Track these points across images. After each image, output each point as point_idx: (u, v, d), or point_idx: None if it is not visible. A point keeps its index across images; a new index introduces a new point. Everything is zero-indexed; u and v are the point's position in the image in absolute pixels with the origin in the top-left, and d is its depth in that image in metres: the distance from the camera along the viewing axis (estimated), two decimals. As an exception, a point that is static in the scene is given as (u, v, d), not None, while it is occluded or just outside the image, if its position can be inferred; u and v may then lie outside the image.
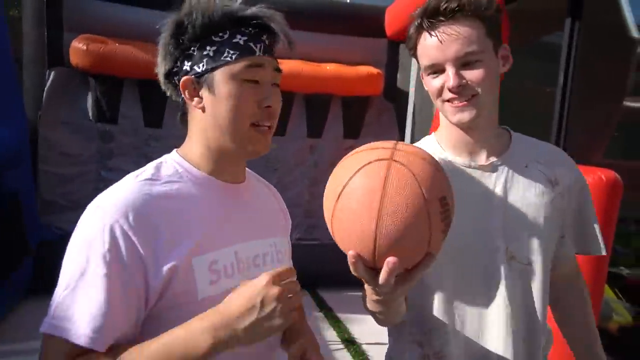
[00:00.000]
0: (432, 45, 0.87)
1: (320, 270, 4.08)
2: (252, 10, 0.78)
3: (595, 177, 2.50)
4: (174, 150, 0.86)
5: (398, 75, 5.10)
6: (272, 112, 0.81)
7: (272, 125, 0.83)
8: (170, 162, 0.82)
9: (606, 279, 2.53)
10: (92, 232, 0.71)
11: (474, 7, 0.86)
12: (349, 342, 3.10)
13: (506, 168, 0.95)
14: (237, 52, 0.76)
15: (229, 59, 0.76)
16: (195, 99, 0.79)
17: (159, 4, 4.28)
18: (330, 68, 4.60)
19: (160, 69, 0.81)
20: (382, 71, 4.81)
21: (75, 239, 0.73)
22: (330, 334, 3.20)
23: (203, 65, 0.76)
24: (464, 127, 0.93)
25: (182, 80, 0.78)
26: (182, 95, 0.80)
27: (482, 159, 0.96)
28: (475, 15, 0.86)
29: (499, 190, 0.94)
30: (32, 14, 3.97)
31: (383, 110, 5.02)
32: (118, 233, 0.70)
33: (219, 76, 0.76)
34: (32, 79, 4.04)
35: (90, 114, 4.17)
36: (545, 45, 4.43)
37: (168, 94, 0.84)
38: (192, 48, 0.77)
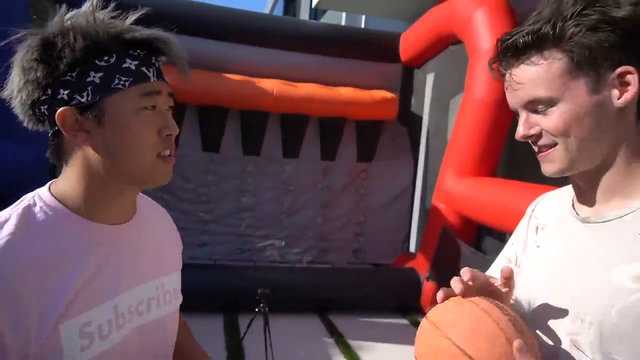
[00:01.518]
0: (505, 87, 0.79)
1: (331, 294, 4.02)
2: (145, 33, 0.68)
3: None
4: (46, 188, 0.70)
5: (412, 100, 5.12)
6: (172, 140, 0.72)
7: (172, 153, 0.73)
8: (41, 207, 0.67)
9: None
10: None
11: (552, 37, 0.69)
12: (360, 371, 3.04)
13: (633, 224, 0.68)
14: (130, 79, 0.65)
15: (120, 86, 0.65)
16: (79, 133, 0.66)
17: (174, 28, 4.39)
18: (344, 92, 4.64)
19: (18, 97, 0.66)
20: (397, 95, 4.84)
21: None
22: (341, 362, 3.15)
23: (88, 95, 0.64)
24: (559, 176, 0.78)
25: (59, 111, 0.64)
26: (55, 128, 0.66)
27: (604, 211, 0.74)
28: (556, 47, 0.69)
29: (606, 254, 0.69)
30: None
31: (397, 134, 5.03)
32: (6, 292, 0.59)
33: (111, 106, 0.65)
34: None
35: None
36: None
37: (29, 125, 0.70)
38: (70, 74, 0.64)
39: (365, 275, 4.38)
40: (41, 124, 0.69)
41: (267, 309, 2.88)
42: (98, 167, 0.68)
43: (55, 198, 0.69)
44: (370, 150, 4.99)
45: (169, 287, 0.83)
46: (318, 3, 5.72)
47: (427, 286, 3.96)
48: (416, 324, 3.92)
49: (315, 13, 12.77)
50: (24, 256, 0.63)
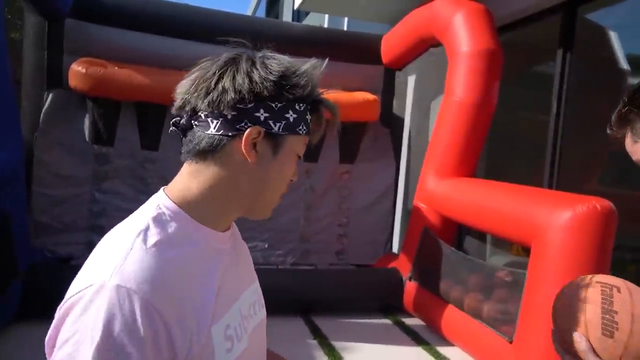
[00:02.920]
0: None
1: (314, 296, 4.02)
2: (324, 99, 0.77)
3: (590, 205, 2.51)
4: (167, 197, 0.73)
5: (394, 102, 5.17)
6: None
7: None
8: (170, 216, 0.71)
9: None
10: (125, 316, 0.59)
11: (618, 118, 0.92)
12: (343, 371, 3.05)
13: None
14: (306, 129, 0.75)
15: (301, 132, 0.74)
16: (252, 151, 0.71)
17: (157, 29, 4.36)
18: (327, 94, 4.65)
19: (216, 93, 0.69)
20: (379, 97, 4.88)
21: (100, 326, 0.58)
22: (324, 363, 3.15)
23: (281, 127, 0.71)
24: None
25: (254, 126, 0.70)
26: (233, 137, 0.70)
27: None
28: (623, 126, 0.92)
29: None
30: (33, 37, 4.02)
31: (379, 136, 5.07)
32: (156, 317, 0.61)
33: (288, 144, 0.74)
34: (30, 100, 4.07)
35: (87, 135, 4.18)
36: (538, 75, 4.52)
37: (193, 111, 0.72)
38: (276, 103, 0.71)
39: (348, 276, 4.40)
40: (213, 123, 0.70)
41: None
42: (244, 184, 0.73)
43: (178, 206, 0.72)
44: (353, 152, 5.02)
45: (259, 290, 0.90)
46: (300, 5, 5.73)
47: (410, 286, 4.00)
48: (399, 324, 3.95)
49: (298, 15, 12.77)
50: (175, 262, 0.66)
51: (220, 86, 0.69)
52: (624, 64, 3.48)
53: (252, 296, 0.85)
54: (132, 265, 0.63)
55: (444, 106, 3.85)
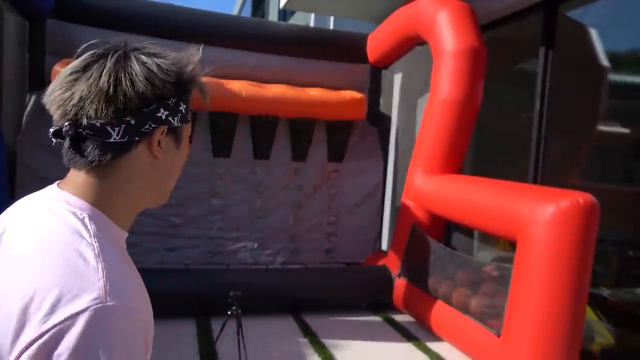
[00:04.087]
0: None
1: (304, 294, 4.03)
2: (201, 84, 0.79)
3: (573, 200, 2.56)
4: (86, 204, 0.68)
5: (381, 100, 5.20)
6: None
7: None
8: (99, 222, 0.67)
9: (587, 300, 2.56)
10: (130, 333, 0.60)
11: None
12: (334, 369, 3.06)
13: None
14: (191, 114, 0.80)
15: (189, 119, 0.78)
16: (159, 149, 0.73)
17: (142, 29, 4.32)
18: (314, 93, 4.67)
19: (118, 102, 0.67)
20: (366, 96, 4.90)
21: (112, 347, 0.57)
22: (315, 361, 3.16)
23: (178, 120, 0.74)
24: None
25: (161, 127, 0.71)
26: (139, 141, 0.70)
27: None
28: None
29: None
30: (14, 38, 3.95)
31: (367, 134, 5.09)
32: (142, 326, 0.62)
33: (184, 132, 0.78)
34: (12, 102, 4.00)
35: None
36: (521, 72, 4.59)
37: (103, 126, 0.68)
38: (171, 99, 0.72)
39: (338, 275, 4.42)
40: (115, 131, 0.68)
41: (239, 311, 2.87)
42: (154, 180, 0.74)
43: (94, 207, 0.69)
44: (341, 150, 5.03)
45: None
46: (286, 4, 5.73)
47: (399, 283, 4.03)
48: (389, 321, 3.98)
49: (284, 14, 12.74)
50: (126, 265, 0.67)
51: (121, 95, 0.66)
52: (604, 61, 3.55)
53: None
54: (114, 279, 0.60)
55: (429, 104, 3.88)
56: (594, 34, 3.62)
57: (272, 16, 14.04)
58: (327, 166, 5.01)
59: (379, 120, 5.15)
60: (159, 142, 0.71)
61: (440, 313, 3.47)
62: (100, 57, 0.68)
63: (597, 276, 3.02)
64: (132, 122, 0.67)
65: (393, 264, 4.17)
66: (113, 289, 0.59)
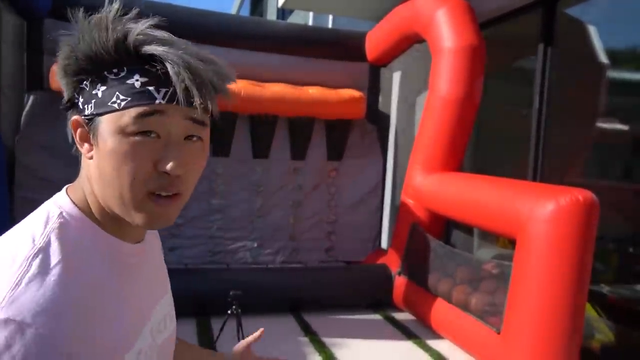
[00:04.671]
0: None
1: (304, 293, 4.03)
2: (154, 49, 0.56)
3: (573, 197, 2.56)
4: (68, 200, 0.61)
5: (380, 98, 5.19)
6: (178, 179, 0.58)
7: (180, 192, 0.60)
8: (71, 223, 0.58)
9: (587, 297, 2.56)
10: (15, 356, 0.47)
11: None
12: (335, 368, 3.06)
13: None
14: (128, 99, 0.56)
15: (115, 106, 0.56)
16: (86, 145, 0.60)
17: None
18: (313, 91, 4.66)
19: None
20: (364, 94, 4.90)
21: None
22: (316, 359, 3.15)
23: (90, 107, 0.57)
24: None
25: (72, 119, 0.60)
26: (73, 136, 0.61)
27: None
28: None
29: None
30: (11, 38, 3.95)
31: (366, 133, 5.09)
32: (53, 352, 0.49)
33: (103, 127, 0.57)
34: (10, 103, 3.99)
35: (69, 138, 4.11)
36: (520, 70, 4.59)
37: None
38: (84, 82, 0.58)
39: (338, 274, 4.42)
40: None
41: (239, 310, 2.87)
42: (96, 185, 0.59)
43: (80, 210, 0.60)
44: (340, 149, 5.03)
45: (172, 301, 0.78)
46: (284, 3, 5.72)
47: (399, 281, 4.04)
48: (389, 319, 3.98)
49: (283, 13, 12.72)
50: (80, 279, 0.55)
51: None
52: (603, 58, 3.55)
53: (163, 309, 0.72)
54: (29, 292, 0.50)
55: (428, 102, 3.88)
56: (593, 31, 3.62)
57: (271, 15, 14.02)
58: (327, 165, 5.01)
59: (378, 119, 5.15)
60: (79, 135, 0.61)
61: (441, 311, 3.47)
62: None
63: (597, 273, 3.03)
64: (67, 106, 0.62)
65: (393, 262, 4.17)
66: (17, 301, 0.49)
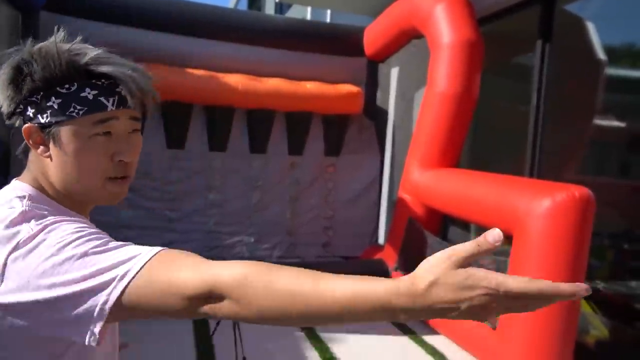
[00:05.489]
0: None
1: (301, 288, 4.03)
2: (105, 69, 0.72)
3: (569, 193, 2.56)
4: (23, 184, 0.77)
5: (378, 94, 5.18)
6: (128, 165, 0.76)
7: (129, 175, 0.77)
8: (39, 200, 0.74)
9: (582, 293, 2.57)
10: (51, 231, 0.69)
11: None
12: (331, 362, 3.07)
13: None
14: (85, 108, 0.71)
15: (74, 114, 0.70)
16: (41, 147, 0.74)
17: (136, 22, 4.28)
18: (310, 86, 4.64)
19: (3, 108, 0.76)
20: (362, 89, 4.88)
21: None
22: (312, 354, 3.16)
23: (47, 117, 0.71)
24: None
25: (25, 127, 0.74)
26: (25, 141, 0.76)
27: None
28: None
29: None
30: (6, 30, 3.91)
31: (363, 128, 5.08)
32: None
33: (64, 132, 0.71)
34: (5, 96, 3.96)
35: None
36: (518, 66, 4.58)
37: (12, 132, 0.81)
38: (36, 96, 0.71)
39: (335, 269, 4.40)
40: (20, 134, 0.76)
41: (236, 305, 2.87)
42: (54, 179, 0.75)
43: (43, 195, 0.76)
44: (338, 145, 5.03)
45: None
46: (282, -3, 5.68)
47: (396, 277, 4.04)
48: (385, 314, 3.99)
49: (281, 7, 12.67)
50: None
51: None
52: (601, 55, 3.55)
53: None
54: (34, 212, 0.71)
55: (426, 98, 3.87)
56: (591, 27, 3.61)
57: (269, 9, 13.95)
58: (324, 160, 5.00)
59: (375, 114, 5.14)
60: (35, 142, 0.76)
61: (437, 306, 3.48)
62: None
63: (592, 269, 3.04)
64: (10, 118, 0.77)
65: (390, 257, 4.18)
66: (24, 223, 0.67)
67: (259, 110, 4.63)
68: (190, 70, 4.31)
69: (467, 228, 4.60)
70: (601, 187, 3.16)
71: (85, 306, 0.60)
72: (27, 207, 0.69)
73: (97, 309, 0.60)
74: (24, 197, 0.73)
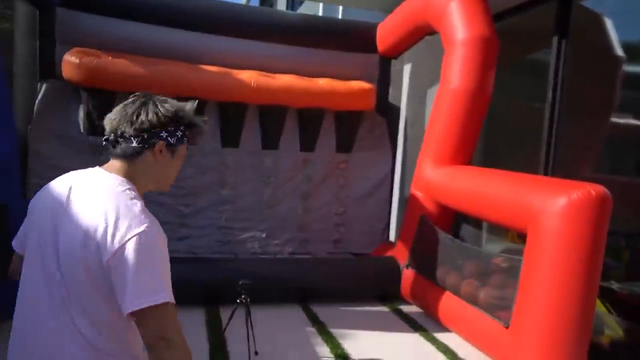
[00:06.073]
0: None
1: (313, 284, 4.05)
2: (201, 125, 1.29)
3: (585, 192, 2.53)
4: (124, 180, 1.19)
5: (390, 90, 5.16)
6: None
7: None
8: (133, 191, 1.19)
9: (598, 293, 2.54)
10: (162, 237, 1.18)
11: None
12: (342, 358, 3.07)
13: None
14: (187, 139, 1.28)
15: (184, 142, 1.27)
16: (161, 155, 1.24)
17: (151, 18, 4.31)
18: (322, 83, 4.64)
19: (137, 124, 1.19)
20: (374, 86, 4.86)
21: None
22: (323, 350, 3.17)
23: (174, 140, 1.24)
24: None
25: (160, 142, 1.21)
26: (149, 148, 1.21)
27: None
28: None
29: None
30: (24, 27, 3.97)
31: (375, 125, 5.06)
32: (164, 237, 1.20)
33: (179, 150, 1.26)
34: (23, 91, 4.02)
35: (81, 127, 4.15)
36: (534, 62, 4.52)
37: (135, 142, 1.22)
38: (170, 127, 1.23)
39: (346, 265, 4.43)
40: (135, 141, 1.20)
41: (248, 300, 2.89)
42: (155, 172, 1.25)
43: (128, 181, 1.21)
44: (350, 141, 5.02)
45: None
46: (295, -7, 5.67)
47: (407, 274, 4.04)
48: (396, 311, 3.99)
49: (293, 3, 12.64)
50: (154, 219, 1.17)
51: (139, 120, 1.19)
52: (619, 51, 3.49)
53: None
54: (148, 217, 1.13)
55: (439, 94, 3.84)
56: (609, 23, 3.55)
57: (281, 5, 13.94)
58: (336, 157, 5.00)
59: (388, 111, 5.12)
60: (160, 150, 1.22)
61: (448, 304, 3.47)
62: (134, 101, 1.22)
63: (608, 269, 3.00)
64: (145, 136, 1.20)
65: (401, 254, 4.17)
66: (149, 221, 1.12)
67: (271, 106, 4.64)
68: (203, 67, 4.34)
69: (479, 226, 4.57)
70: (618, 186, 3.11)
71: None
72: (140, 204, 1.15)
73: None
74: (129, 188, 1.17)
